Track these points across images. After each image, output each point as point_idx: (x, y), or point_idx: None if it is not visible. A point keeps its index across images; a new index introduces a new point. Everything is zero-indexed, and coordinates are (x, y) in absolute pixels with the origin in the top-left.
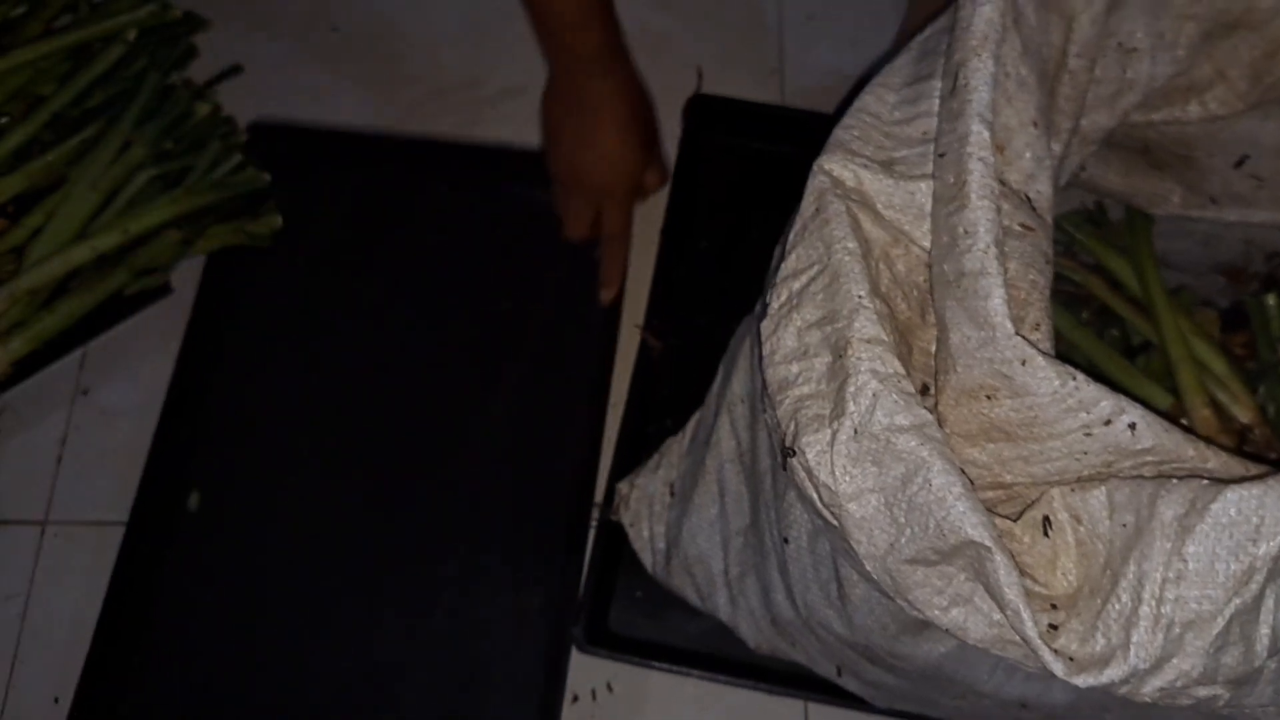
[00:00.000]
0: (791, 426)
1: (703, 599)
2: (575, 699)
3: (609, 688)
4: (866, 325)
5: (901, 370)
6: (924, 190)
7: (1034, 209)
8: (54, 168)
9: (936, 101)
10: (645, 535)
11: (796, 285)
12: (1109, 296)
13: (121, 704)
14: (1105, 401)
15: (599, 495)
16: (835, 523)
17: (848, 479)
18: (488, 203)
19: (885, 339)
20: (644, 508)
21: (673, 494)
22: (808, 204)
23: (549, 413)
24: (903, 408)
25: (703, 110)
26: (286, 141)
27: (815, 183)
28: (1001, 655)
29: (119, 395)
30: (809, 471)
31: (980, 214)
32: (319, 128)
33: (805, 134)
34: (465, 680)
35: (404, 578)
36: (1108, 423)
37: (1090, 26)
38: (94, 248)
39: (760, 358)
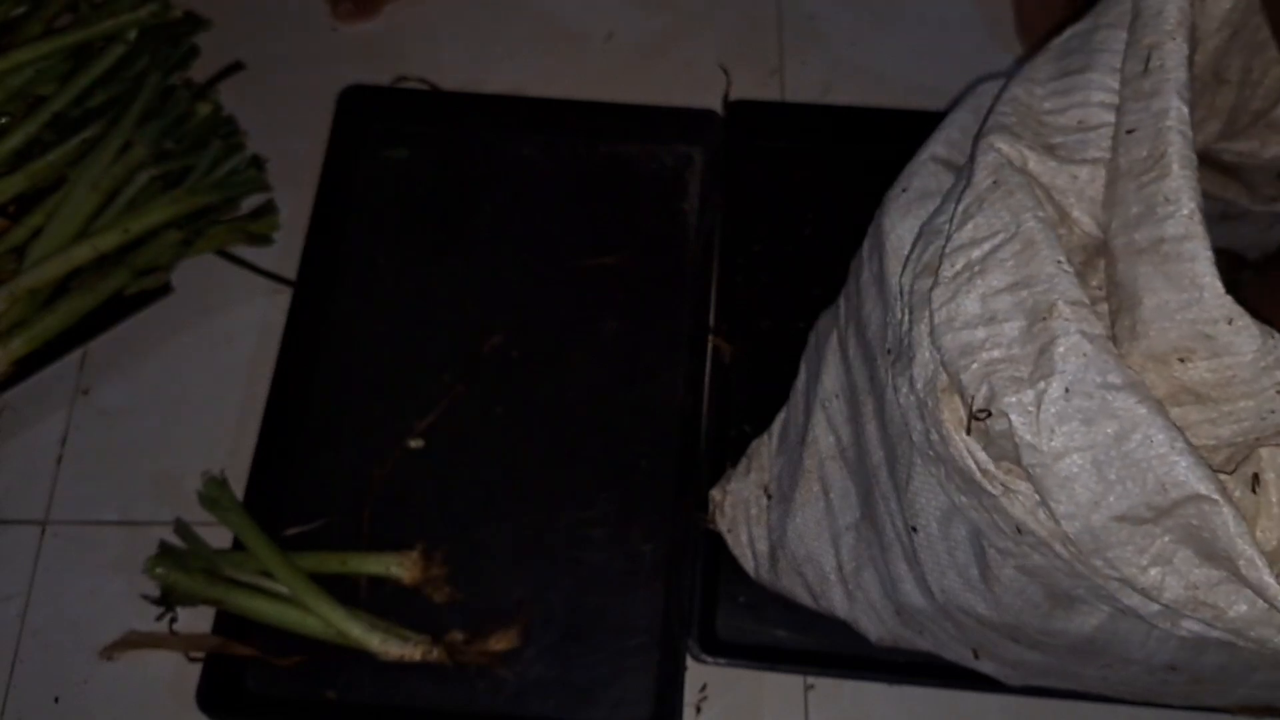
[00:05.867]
0: (984, 389)
1: (815, 598)
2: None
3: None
4: (1071, 288)
5: (1107, 333)
6: (1085, 175)
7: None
8: (55, 168)
9: (1093, 93)
10: (744, 540)
11: (977, 253)
12: None
13: None
14: None
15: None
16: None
17: (1056, 438)
18: (578, 159)
19: (1088, 302)
20: (740, 513)
21: (769, 496)
22: (982, 177)
23: (651, 365)
24: (1114, 367)
25: (742, 114)
26: (378, 104)
27: (988, 158)
28: (1192, 617)
29: (119, 395)
30: (1011, 433)
31: (1183, 182)
32: (410, 90)
33: (841, 131)
34: (578, 691)
35: (500, 569)
36: None
37: (1211, 53)
38: (95, 247)
39: (932, 327)
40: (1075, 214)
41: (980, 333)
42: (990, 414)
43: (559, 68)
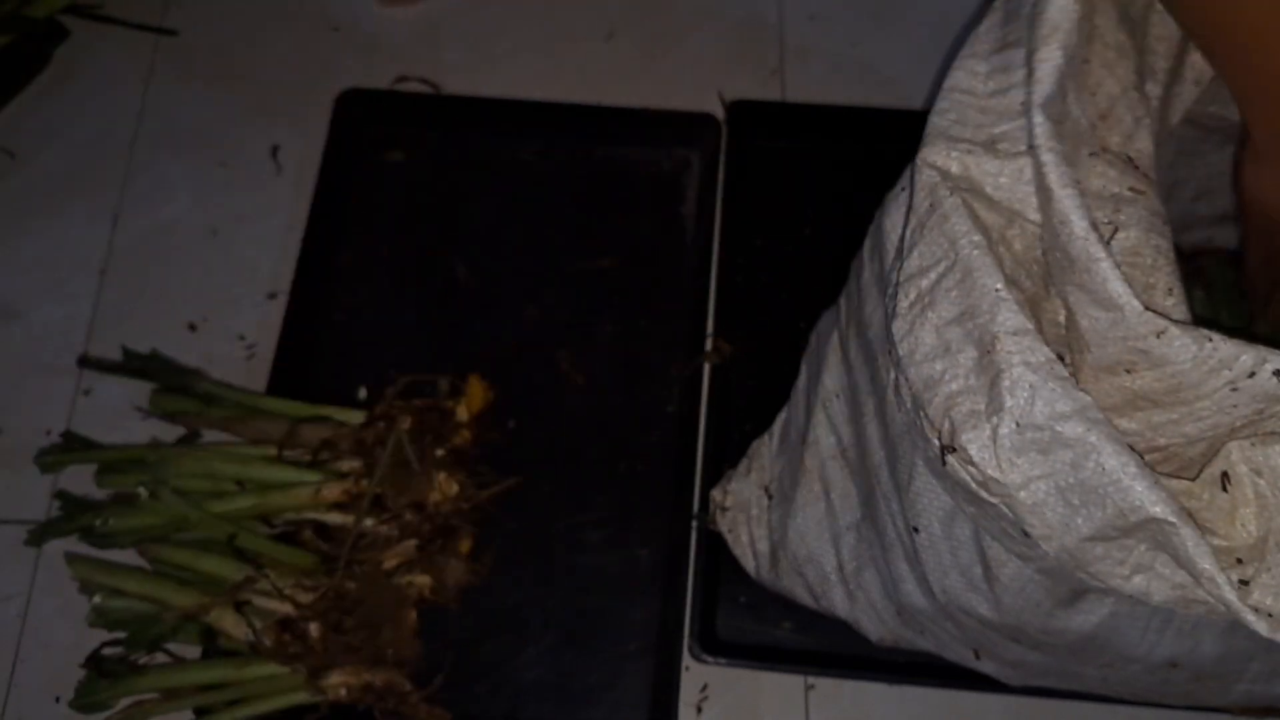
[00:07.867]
0: (947, 424)
1: (816, 598)
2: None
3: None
4: (1010, 317)
5: (1053, 356)
6: (1030, 166)
7: (1138, 168)
8: None
9: (1024, 72)
10: (745, 540)
11: (925, 283)
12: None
13: None
14: (1246, 356)
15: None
16: (1007, 511)
17: (1015, 471)
18: (576, 162)
19: (1030, 327)
20: (740, 513)
21: (770, 496)
22: (920, 201)
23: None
24: (1061, 394)
25: (744, 114)
26: (376, 107)
27: (923, 178)
28: (1186, 613)
29: (119, 395)
30: (974, 466)
31: (1068, 203)
32: (407, 93)
33: (842, 130)
34: (575, 693)
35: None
36: (1252, 375)
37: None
38: None
39: (898, 359)
40: (1027, 210)
41: (938, 366)
42: (954, 449)
43: (559, 67)
